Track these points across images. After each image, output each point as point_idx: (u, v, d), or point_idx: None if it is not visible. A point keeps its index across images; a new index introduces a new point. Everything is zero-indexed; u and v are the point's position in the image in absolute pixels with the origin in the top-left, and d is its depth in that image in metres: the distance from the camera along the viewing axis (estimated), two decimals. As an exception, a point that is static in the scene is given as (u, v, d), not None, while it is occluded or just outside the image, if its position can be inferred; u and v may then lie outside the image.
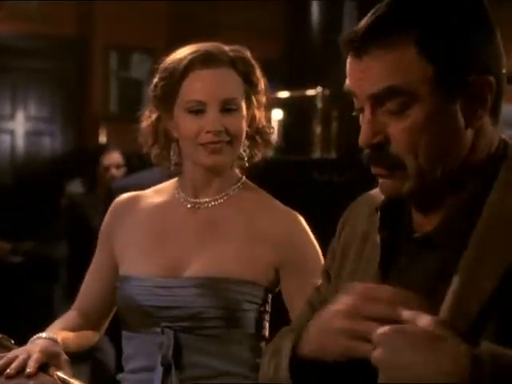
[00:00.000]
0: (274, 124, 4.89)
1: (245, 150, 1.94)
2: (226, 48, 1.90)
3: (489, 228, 1.19)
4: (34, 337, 1.85)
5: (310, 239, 1.90)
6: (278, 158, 3.62)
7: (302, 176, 4.08)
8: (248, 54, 1.92)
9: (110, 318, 2.05)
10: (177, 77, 1.87)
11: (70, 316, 2.01)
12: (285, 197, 1.98)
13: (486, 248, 1.18)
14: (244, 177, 1.98)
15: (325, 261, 1.49)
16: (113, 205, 2.03)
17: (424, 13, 1.20)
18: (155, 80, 1.93)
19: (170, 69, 1.88)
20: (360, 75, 1.22)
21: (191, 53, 1.88)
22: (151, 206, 1.98)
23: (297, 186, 3.89)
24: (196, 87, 1.86)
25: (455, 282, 1.17)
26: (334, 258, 1.43)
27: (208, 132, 1.85)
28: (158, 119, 1.94)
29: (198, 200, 1.94)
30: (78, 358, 1.91)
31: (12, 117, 7.00)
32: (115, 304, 1.99)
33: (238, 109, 1.89)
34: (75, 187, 5.27)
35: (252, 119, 1.94)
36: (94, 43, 6.95)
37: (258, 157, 1.97)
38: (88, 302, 2.02)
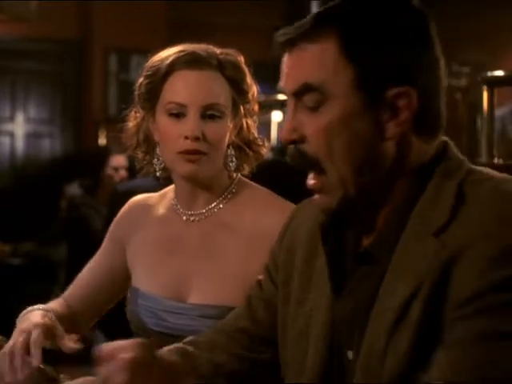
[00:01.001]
0: (274, 126, 4.90)
1: (232, 161, 1.82)
2: (217, 51, 1.79)
3: (406, 240, 1.19)
4: (28, 309, 1.83)
5: None
6: (277, 160, 3.63)
7: (300, 178, 4.09)
8: (240, 58, 1.80)
9: (94, 321, 1.95)
10: (159, 76, 1.76)
11: (58, 302, 1.91)
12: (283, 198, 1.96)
13: (401, 263, 1.18)
14: (237, 177, 1.85)
15: (268, 259, 1.48)
16: (128, 207, 1.94)
17: (353, 14, 1.20)
18: (140, 79, 1.83)
19: (154, 67, 1.78)
20: (286, 71, 1.24)
21: (177, 52, 1.77)
22: (157, 216, 1.89)
23: (295, 187, 3.88)
24: (177, 88, 1.75)
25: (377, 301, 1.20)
26: (277, 259, 1.43)
27: (186, 138, 1.72)
28: (142, 120, 1.84)
29: (191, 212, 1.82)
30: (78, 359, 1.90)
31: (11, 119, 7.01)
32: (105, 309, 1.93)
33: (222, 116, 1.75)
34: (75, 189, 5.28)
35: (240, 129, 1.82)
36: (93, 45, 6.95)
37: (246, 170, 1.85)
38: (77, 297, 1.91)
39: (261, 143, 1.85)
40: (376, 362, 1.19)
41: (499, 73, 2.76)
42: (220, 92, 1.76)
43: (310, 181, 1.24)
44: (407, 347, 1.15)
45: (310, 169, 1.24)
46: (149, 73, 1.79)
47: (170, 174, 1.84)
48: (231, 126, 1.78)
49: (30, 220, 6.39)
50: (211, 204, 1.81)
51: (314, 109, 1.21)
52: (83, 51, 7.01)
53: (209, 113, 1.74)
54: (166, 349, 1.43)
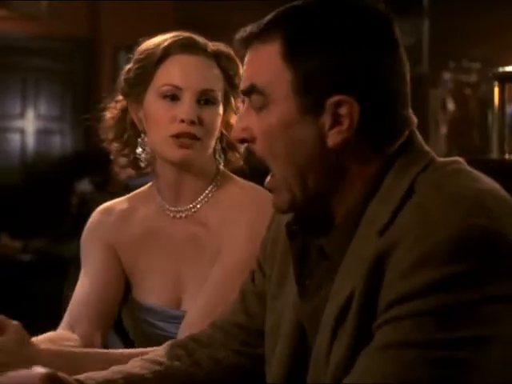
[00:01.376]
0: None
1: (220, 156, 1.79)
2: (211, 43, 1.77)
3: (356, 241, 1.18)
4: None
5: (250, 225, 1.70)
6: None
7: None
8: (232, 52, 1.76)
9: (104, 338, 1.80)
10: (154, 60, 1.72)
11: (60, 333, 1.73)
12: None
13: (348, 264, 1.18)
14: (221, 167, 1.80)
15: (259, 251, 1.47)
16: (103, 213, 1.86)
17: (298, 19, 1.18)
18: (128, 66, 1.78)
19: (147, 51, 1.74)
20: (243, 70, 1.25)
21: (172, 36, 1.75)
22: (140, 218, 1.82)
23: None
24: (174, 71, 1.72)
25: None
26: (265, 251, 1.42)
27: (182, 121, 1.69)
28: (124, 110, 1.79)
29: (178, 208, 1.77)
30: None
31: (22, 115, 7.03)
32: (112, 321, 1.82)
33: (216, 103, 1.73)
34: (85, 185, 5.30)
35: (227, 126, 1.78)
36: (103, 44, 6.97)
37: (231, 166, 1.81)
38: (82, 318, 1.75)
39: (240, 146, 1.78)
40: (320, 368, 1.19)
41: (510, 68, 2.75)
42: (215, 79, 1.74)
43: (266, 179, 1.25)
44: (343, 353, 1.14)
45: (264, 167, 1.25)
46: (141, 57, 1.75)
47: (153, 166, 1.79)
48: (222, 117, 1.76)
49: (40, 216, 6.41)
50: (198, 197, 1.77)
51: (260, 110, 1.21)
52: (93, 49, 7.02)
53: (204, 98, 1.72)
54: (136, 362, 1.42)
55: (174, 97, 1.71)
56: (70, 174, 5.75)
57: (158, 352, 1.46)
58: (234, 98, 1.78)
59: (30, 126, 7.04)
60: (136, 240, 1.81)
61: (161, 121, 1.71)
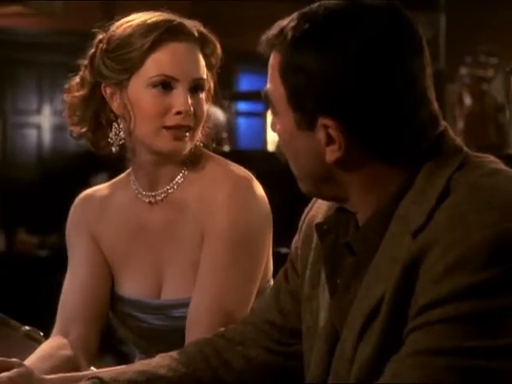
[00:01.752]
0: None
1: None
2: (188, 21, 1.71)
3: (387, 241, 1.17)
4: None
5: (241, 206, 1.65)
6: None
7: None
8: (208, 32, 1.71)
9: (100, 337, 1.75)
10: (144, 48, 1.63)
11: (51, 343, 1.70)
12: (281, 189, 1.91)
13: (379, 264, 1.17)
14: (193, 148, 1.71)
15: (291, 251, 1.47)
16: (83, 201, 1.82)
17: (294, 36, 1.17)
18: (102, 46, 1.70)
19: (132, 37, 1.66)
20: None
21: (160, 22, 1.67)
22: (117, 205, 1.78)
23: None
24: (166, 61, 1.64)
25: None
26: (297, 251, 1.42)
27: (178, 113, 1.63)
28: (92, 92, 1.70)
29: (154, 193, 1.72)
30: (103, 351, 1.91)
31: (38, 111, 7.06)
32: (104, 318, 1.77)
33: (203, 90, 1.68)
34: (101, 180, 5.31)
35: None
36: (119, 38, 6.99)
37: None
38: (74, 318, 1.71)
39: (208, 129, 1.74)
40: (344, 368, 1.18)
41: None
42: (203, 67, 1.68)
43: None
44: (369, 355, 1.13)
45: None
46: (123, 42, 1.66)
47: (128, 152, 1.72)
48: None
49: (57, 212, 6.41)
50: (173, 180, 1.71)
51: (275, 115, 1.23)
52: (109, 44, 7.04)
53: (195, 87, 1.66)
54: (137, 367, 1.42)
55: (165, 85, 1.64)
56: (86, 170, 5.76)
57: (186, 350, 1.45)
58: (211, 79, 1.73)
59: (46, 122, 7.06)
60: (114, 228, 1.77)
61: (152, 111, 1.64)
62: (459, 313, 1.05)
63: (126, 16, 1.77)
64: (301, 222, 1.44)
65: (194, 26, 1.70)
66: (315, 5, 1.19)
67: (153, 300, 1.72)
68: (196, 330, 1.59)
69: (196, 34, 1.68)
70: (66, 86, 1.77)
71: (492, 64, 6.42)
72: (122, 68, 1.66)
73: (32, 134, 7.04)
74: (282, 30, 1.19)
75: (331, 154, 1.17)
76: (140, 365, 1.42)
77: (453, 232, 1.08)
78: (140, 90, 1.65)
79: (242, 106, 7.52)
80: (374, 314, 1.14)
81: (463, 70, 6.30)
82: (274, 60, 1.20)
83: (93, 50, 1.72)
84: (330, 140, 1.16)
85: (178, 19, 1.69)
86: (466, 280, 1.05)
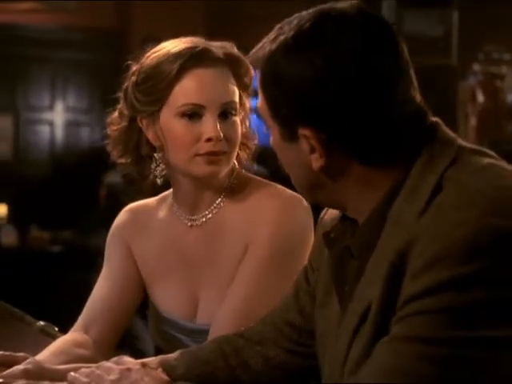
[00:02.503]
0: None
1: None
2: (215, 44, 1.69)
3: (382, 242, 1.17)
4: None
5: (282, 224, 1.66)
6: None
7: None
8: (236, 50, 1.70)
9: (117, 341, 1.79)
10: (169, 78, 1.63)
11: (73, 335, 1.73)
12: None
13: (374, 265, 1.17)
14: (236, 171, 1.74)
15: (310, 251, 1.47)
16: (128, 212, 1.84)
17: (273, 49, 1.19)
18: (133, 79, 1.69)
19: (158, 68, 1.65)
20: None
21: (184, 50, 1.65)
22: (159, 220, 1.80)
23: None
24: (192, 89, 1.64)
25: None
26: (315, 254, 1.42)
27: (208, 140, 1.63)
28: (130, 125, 1.72)
29: (194, 217, 1.73)
30: (118, 347, 1.92)
31: (51, 108, 7.08)
32: (125, 325, 1.80)
33: (236, 114, 1.68)
34: (114, 177, 5.32)
35: (245, 129, 1.73)
36: (131, 35, 6.98)
37: (239, 165, 1.74)
38: (95, 319, 1.75)
39: (252, 143, 1.76)
40: (338, 371, 1.19)
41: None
42: (233, 89, 1.67)
43: None
44: (359, 356, 1.13)
45: None
46: (151, 73, 1.66)
47: (170, 178, 1.74)
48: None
49: (69, 208, 6.45)
50: (213, 204, 1.72)
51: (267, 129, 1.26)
52: (122, 41, 7.04)
53: (225, 111, 1.66)
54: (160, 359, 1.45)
55: (193, 114, 1.65)
56: (98, 166, 5.77)
57: (205, 348, 1.46)
58: (247, 99, 1.72)
59: (58, 118, 7.08)
60: (152, 246, 1.79)
61: (183, 141, 1.65)
62: (436, 305, 1.05)
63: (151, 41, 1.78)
64: (317, 225, 1.44)
65: (222, 47, 1.69)
66: (293, 17, 1.21)
67: (188, 323, 1.74)
68: (219, 333, 1.58)
69: (222, 56, 1.67)
70: (108, 119, 1.78)
71: (505, 60, 6.40)
72: (151, 100, 1.67)
73: (44, 130, 7.07)
74: (262, 46, 1.22)
75: (315, 162, 1.18)
76: (160, 359, 1.44)
77: (434, 229, 1.08)
78: (170, 120, 1.66)
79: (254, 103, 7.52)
80: (366, 315, 1.15)
81: (476, 67, 6.29)
82: (258, 75, 1.23)
83: (126, 84, 1.73)
84: (312, 149, 1.18)
85: (202, 44, 1.67)
86: (443, 275, 1.05)
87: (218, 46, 1.69)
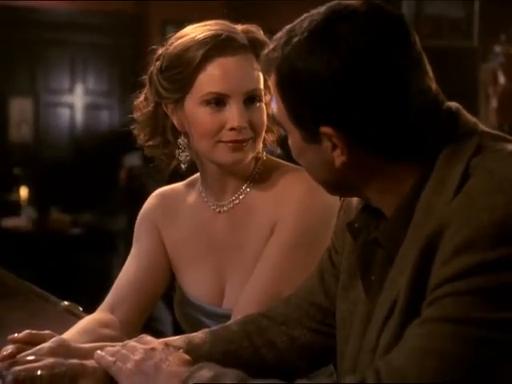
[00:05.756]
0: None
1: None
2: (240, 28, 1.68)
3: (411, 232, 1.18)
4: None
5: (305, 206, 1.67)
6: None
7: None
8: (262, 33, 1.69)
9: (142, 323, 1.80)
10: (193, 66, 1.63)
11: (99, 314, 1.74)
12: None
13: (404, 255, 1.18)
14: (262, 156, 1.75)
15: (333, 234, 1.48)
16: (159, 196, 1.85)
17: (286, 54, 1.19)
18: (158, 65, 1.70)
19: (182, 56, 1.65)
20: None
21: (208, 37, 1.65)
22: (187, 205, 1.81)
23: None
24: (216, 78, 1.63)
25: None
26: (337, 236, 1.43)
27: (232, 129, 1.63)
28: (156, 109, 1.73)
29: (221, 203, 1.75)
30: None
31: (71, 91, 7.10)
32: (150, 307, 1.81)
33: (261, 100, 1.67)
34: (134, 159, 5.34)
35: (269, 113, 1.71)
36: (151, 18, 6.98)
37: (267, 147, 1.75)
38: (121, 300, 1.76)
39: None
40: (368, 358, 1.20)
41: None
42: (257, 75, 1.66)
43: None
44: (389, 342, 1.15)
45: None
46: (175, 63, 1.66)
47: (197, 163, 1.75)
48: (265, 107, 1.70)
49: (89, 191, 6.48)
50: (240, 189, 1.73)
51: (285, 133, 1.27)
52: (141, 24, 7.04)
53: (249, 98, 1.66)
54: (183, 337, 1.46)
55: (218, 102, 1.65)
56: (118, 149, 5.79)
57: (230, 327, 1.47)
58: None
59: (78, 101, 7.10)
60: (181, 230, 1.80)
61: (208, 128, 1.65)
62: (467, 287, 1.07)
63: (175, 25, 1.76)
64: (339, 208, 1.45)
65: (246, 32, 1.68)
66: (302, 17, 1.22)
67: (215, 307, 1.75)
68: (245, 311, 1.59)
69: (246, 42, 1.66)
70: (134, 103, 1.80)
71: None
72: (176, 87, 1.67)
73: (64, 113, 7.09)
74: (274, 49, 1.22)
75: (338, 159, 1.19)
76: (184, 338, 1.45)
77: (463, 215, 1.09)
78: (194, 107, 1.66)
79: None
80: (395, 302, 1.16)
81: (497, 49, 6.24)
82: (272, 80, 1.23)
83: (151, 68, 1.73)
84: (334, 146, 1.19)
85: (226, 31, 1.66)
86: (474, 259, 1.06)
87: (242, 31, 1.68)
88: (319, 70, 1.16)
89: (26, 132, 6.96)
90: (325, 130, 1.17)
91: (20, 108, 6.93)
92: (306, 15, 1.22)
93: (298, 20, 1.22)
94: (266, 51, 1.24)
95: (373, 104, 1.16)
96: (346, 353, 1.30)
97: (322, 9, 1.20)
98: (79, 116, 7.11)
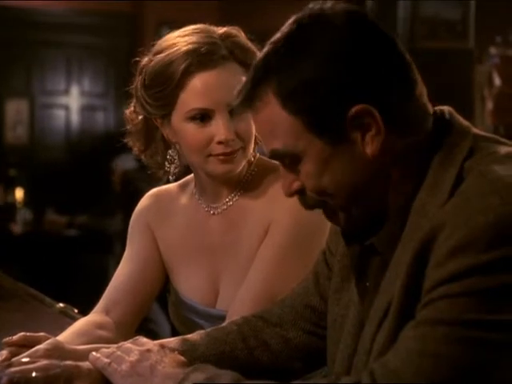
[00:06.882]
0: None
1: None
2: (219, 31, 1.66)
3: (405, 235, 1.18)
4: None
5: (293, 218, 1.66)
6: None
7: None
8: (242, 34, 1.67)
9: (137, 324, 1.80)
10: (174, 83, 1.62)
11: (94, 316, 1.74)
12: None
13: (398, 259, 1.17)
14: (256, 158, 1.74)
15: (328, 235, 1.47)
16: (152, 196, 1.85)
17: (283, 65, 1.17)
18: (141, 80, 1.69)
19: (163, 73, 1.64)
20: (256, 132, 1.26)
21: (187, 52, 1.62)
22: (181, 209, 1.81)
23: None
24: (198, 93, 1.62)
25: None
26: (332, 238, 1.42)
27: (220, 142, 1.62)
28: (145, 121, 1.72)
29: (215, 205, 1.75)
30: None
31: (66, 92, 7.10)
32: (146, 307, 1.81)
33: None
34: (129, 162, 5.33)
35: None
36: (146, 19, 6.99)
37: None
38: (116, 301, 1.75)
39: None
40: (363, 360, 1.20)
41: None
42: (239, 83, 1.67)
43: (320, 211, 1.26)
44: (384, 344, 1.14)
45: (319, 207, 1.25)
46: (156, 80, 1.65)
47: (187, 170, 1.75)
48: None
49: (85, 192, 6.47)
50: (233, 192, 1.73)
51: (295, 165, 1.20)
52: (136, 25, 7.05)
53: None
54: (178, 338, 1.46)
55: (203, 117, 1.63)
56: (113, 150, 5.79)
57: (225, 329, 1.47)
58: None
59: (74, 103, 7.10)
60: (175, 231, 1.80)
61: (196, 144, 1.64)
62: (462, 289, 1.06)
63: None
64: None
65: (227, 36, 1.66)
66: (271, 39, 1.20)
67: (208, 308, 1.75)
68: (238, 314, 1.59)
69: (226, 53, 1.64)
70: (125, 115, 1.78)
71: (523, 44, 6.35)
72: (160, 104, 1.66)
73: (60, 114, 7.09)
74: (261, 76, 1.19)
75: (371, 143, 1.16)
76: (180, 339, 1.45)
77: (457, 216, 1.09)
78: (180, 124, 1.65)
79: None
80: (389, 306, 1.16)
81: (493, 51, 6.25)
82: (270, 108, 1.18)
83: (136, 81, 1.72)
84: (364, 131, 1.16)
85: (205, 44, 1.63)
86: (468, 261, 1.06)
87: (221, 37, 1.66)
88: (330, 50, 1.15)
89: (22, 133, 6.96)
90: (357, 108, 1.14)
91: (15, 109, 6.93)
92: (273, 38, 1.20)
93: (280, 32, 1.20)
94: (241, 89, 1.21)
95: (391, 76, 1.16)
96: (336, 355, 1.30)
97: (295, 20, 1.20)
98: (75, 117, 7.12)
